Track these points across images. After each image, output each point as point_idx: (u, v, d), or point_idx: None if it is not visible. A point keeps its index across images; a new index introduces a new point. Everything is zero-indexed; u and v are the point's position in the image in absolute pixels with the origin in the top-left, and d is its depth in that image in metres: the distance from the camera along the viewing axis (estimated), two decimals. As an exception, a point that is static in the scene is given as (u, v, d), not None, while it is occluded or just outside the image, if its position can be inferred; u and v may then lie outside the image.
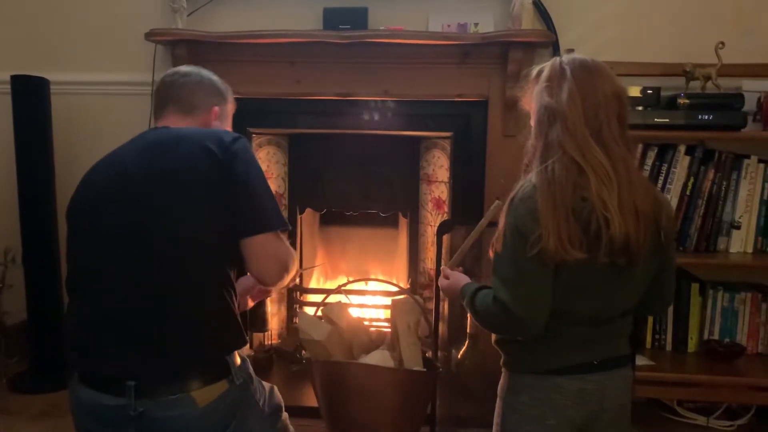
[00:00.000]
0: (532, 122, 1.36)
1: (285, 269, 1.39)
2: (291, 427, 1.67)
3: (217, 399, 1.32)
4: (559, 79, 1.31)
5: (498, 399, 1.43)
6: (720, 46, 2.28)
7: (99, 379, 1.32)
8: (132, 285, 1.31)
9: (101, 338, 1.33)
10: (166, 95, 1.55)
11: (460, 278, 1.50)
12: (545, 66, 1.36)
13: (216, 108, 1.58)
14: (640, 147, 2.34)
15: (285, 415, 1.63)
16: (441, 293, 1.85)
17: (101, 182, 1.44)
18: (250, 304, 1.69)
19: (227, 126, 1.64)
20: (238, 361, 1.39)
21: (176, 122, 1.52)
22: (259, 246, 1.35)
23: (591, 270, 1.25)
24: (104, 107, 2.83)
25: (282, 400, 1.60)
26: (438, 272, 2.13)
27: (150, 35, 2.53)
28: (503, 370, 1.43)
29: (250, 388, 1.43)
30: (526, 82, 1.40)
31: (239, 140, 1.39)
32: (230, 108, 1.67)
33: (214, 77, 1.62)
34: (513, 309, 1.23)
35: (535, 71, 1.38)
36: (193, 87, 1.56)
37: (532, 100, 1.37)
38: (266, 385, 1.56)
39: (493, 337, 1.43)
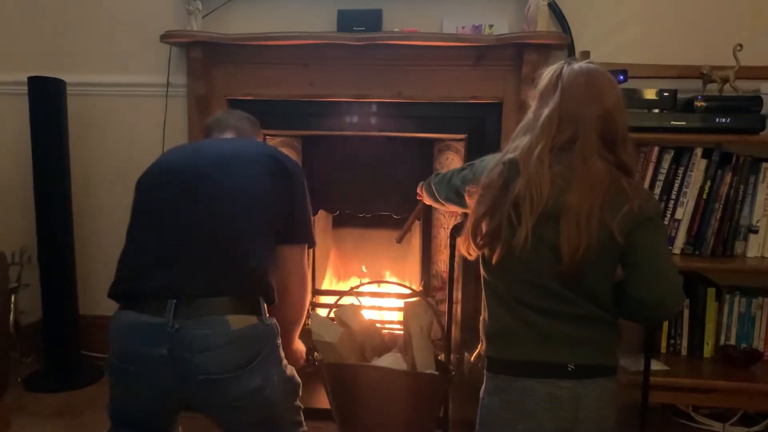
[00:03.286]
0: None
1: (306, 280, 1.73)
2: (303, 418, 1.70)
3: (249, 327, 1.47)
4: (548, 95, 1.38)
5: (480, 402, 1.46)
6: (738, 48, 2.26)
7: (144, 299, 1.47)
8: (194, 221, 1.51)
9: (153, 262, 1.50)
10: (225, 124, 1.88)
11: None
12: (547, 73, 1.42)
13: (260, 135, 1.98)
14: (656, 150, 2.32)
15: (300, 405, 1.70)
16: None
17: (183, 153, 1.70)
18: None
19: None
20: (267, 312, 1.55)
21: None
22: (296, 254, 1.68)
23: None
24: (120, 108, 2.85)
25: (300, 382, 1.69)
26: (451, 276, 2.12)
27: (165, 37, 2.54)
28: (485, 372, 1.45)
29: (277, 337, 1.57)
30: (534, 85, 1.47)
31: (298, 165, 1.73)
32: None
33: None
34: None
35: (541, 74, 1.44)
36: (237, 118, 1.93)
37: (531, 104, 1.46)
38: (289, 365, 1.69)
39: (481, 328, 1.48)
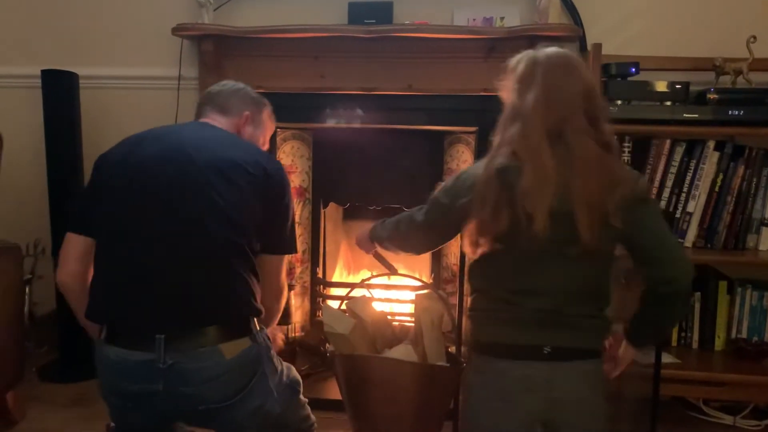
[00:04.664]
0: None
1: (282, 289, 1.64)
2: (309, 410, 1.71)
3: (243, 352, 1.42)
4: (528, 79, 1.37)
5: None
6: (752, 39, 2.24)
7: (128, 334, 1.40)
8: (171, 245, 1.39)
9: (133, 287, 1.40)
10: (208, 99, 1.71)
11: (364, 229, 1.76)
12: (520, 61, 1.41)
13: (247, 113, 1.71)
14: (667, 143, 2.31)
15: (305, 399, 1.70)
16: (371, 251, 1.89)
17: (159, 147, 1.51)
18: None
19: (261, 134, 1.78)
20: (258, 326, 1.49)
21: (215, 119, 1.67)
22: (275, 263, 1.58)
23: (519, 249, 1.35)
24: (132, 101, 2.86)
25: (300, 378, 1.67)
26: (462, 269, 2.12)
27: (177, 30, 2.55)
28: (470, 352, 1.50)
29: (270, 350, 1.53)
30: (504, 74, 1.45)
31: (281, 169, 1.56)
32: (266, 118, 1.80)
33: (249, 88, 1.77)
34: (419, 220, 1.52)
35: (512, 64, 1.43)
36: (228, 93, 1.72)
37: (506, 94, 1.44)
38: (285, 363, 1.65)
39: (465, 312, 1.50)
